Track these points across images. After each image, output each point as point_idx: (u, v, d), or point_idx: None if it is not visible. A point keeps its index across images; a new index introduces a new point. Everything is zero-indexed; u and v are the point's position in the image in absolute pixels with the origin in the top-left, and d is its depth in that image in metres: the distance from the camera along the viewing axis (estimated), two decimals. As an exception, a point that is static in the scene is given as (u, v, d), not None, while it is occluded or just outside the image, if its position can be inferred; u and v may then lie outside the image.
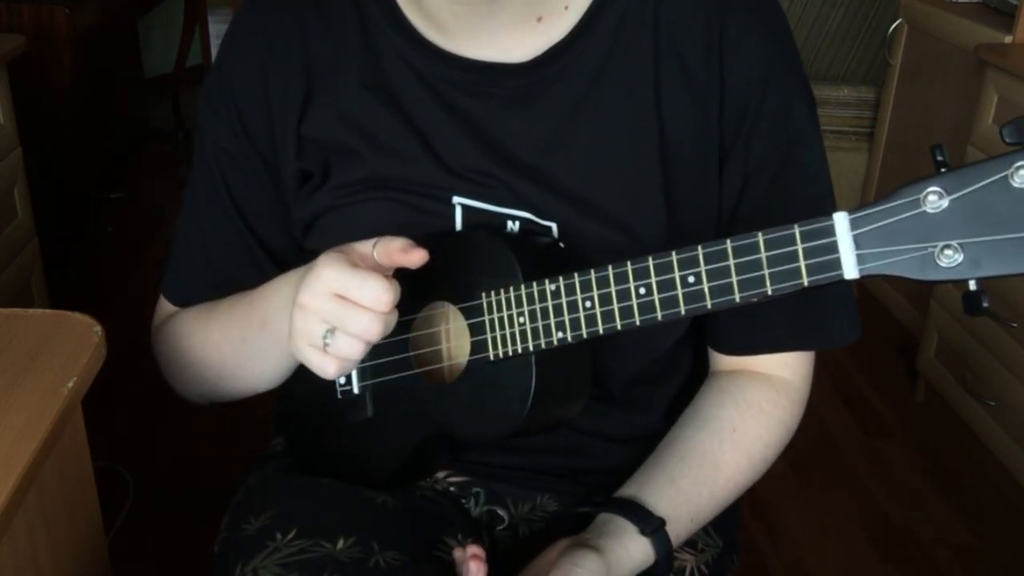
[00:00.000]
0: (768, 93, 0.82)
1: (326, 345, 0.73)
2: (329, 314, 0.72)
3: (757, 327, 0.87)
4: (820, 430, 2.25)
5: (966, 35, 2.18)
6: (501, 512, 0.92)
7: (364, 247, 0.77)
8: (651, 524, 0.80)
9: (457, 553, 0.79)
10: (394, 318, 0.74)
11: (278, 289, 0.85)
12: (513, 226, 0.82)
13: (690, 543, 0.92)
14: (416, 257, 0.75)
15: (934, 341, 2.22)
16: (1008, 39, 2.06)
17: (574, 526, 0.85)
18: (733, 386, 0.89)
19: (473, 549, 0.76)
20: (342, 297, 0.72)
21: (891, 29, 2.57)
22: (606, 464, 0.91)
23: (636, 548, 0.80)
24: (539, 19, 0.81)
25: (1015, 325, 1.92)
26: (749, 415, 0.87)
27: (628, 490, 0.84)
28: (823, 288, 0.86)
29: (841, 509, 2.03)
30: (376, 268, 0.75)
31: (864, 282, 2.69)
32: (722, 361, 0.91)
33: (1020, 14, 2.05)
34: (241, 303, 0.89)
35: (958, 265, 0.59)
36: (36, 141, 2.33)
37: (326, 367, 0.74)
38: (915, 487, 2.10)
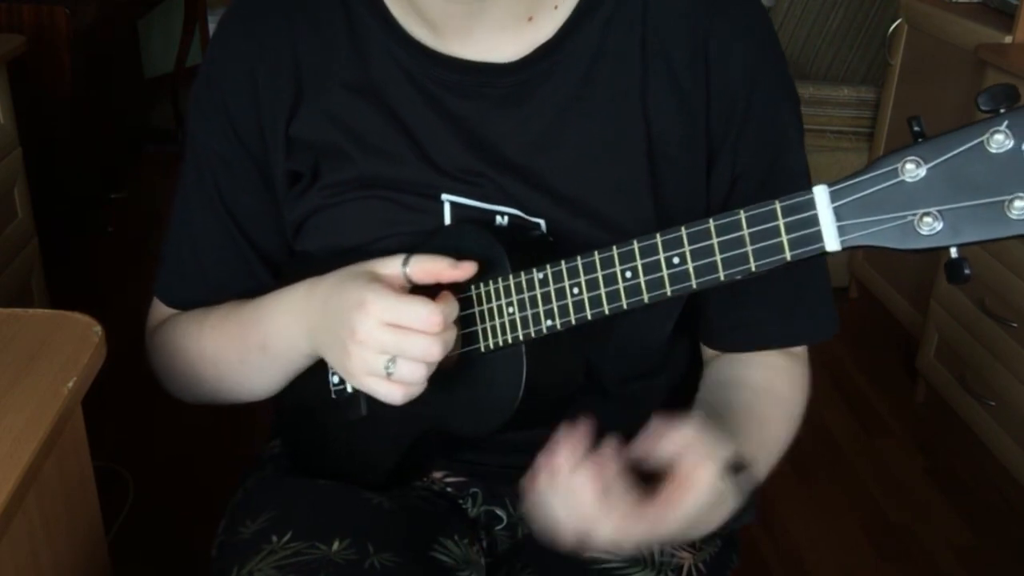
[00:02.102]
0: (754, 98, 0.82)
1: (389, 374, 0.73)
2: (387, 344, 0.73)
3: (746, 326, 0.88)
4: (820, 430, 2.25)
5: (966, 35, 2.18)
6: (499, 512, 0.92)
7: (390, 267, 0.76)
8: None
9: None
10: (452, 335, 0.74)
11: (274, 311, 0.84)
12: (502, 221, 0.83)
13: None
14: (465, 271, 0.75)
15: (934, 341, 2.22)
16: (1008, 39, 2.06)
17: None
18: (746, 355, 0.89)
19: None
20: (395, 325, 0.72)
21: (891, 29, 2.57)
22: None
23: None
24: (530, 19, 0.81)
25: (1015, 325, 1.92)
26: (773, 374, 0.88)
27: None
28: (809, 284, 0.86)
29: (841, 509, 2.03)
30: (408, 286, 0.75)
31: (864, 282, 2.67)
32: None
33: (1020, 14, 2.05)
34: (232, 320, 0.88)
35: (938, 232, 0.59)
36: (36, 141, 2.33)
37: (393, 394, 0.74)
38: (915, 487, 2.10)
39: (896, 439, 2.26)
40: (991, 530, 1.97)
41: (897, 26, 2.53)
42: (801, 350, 0.91)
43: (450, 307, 0.74)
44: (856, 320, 2.63)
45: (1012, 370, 1.93)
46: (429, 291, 0.75)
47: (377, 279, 0.75)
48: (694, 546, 0.93)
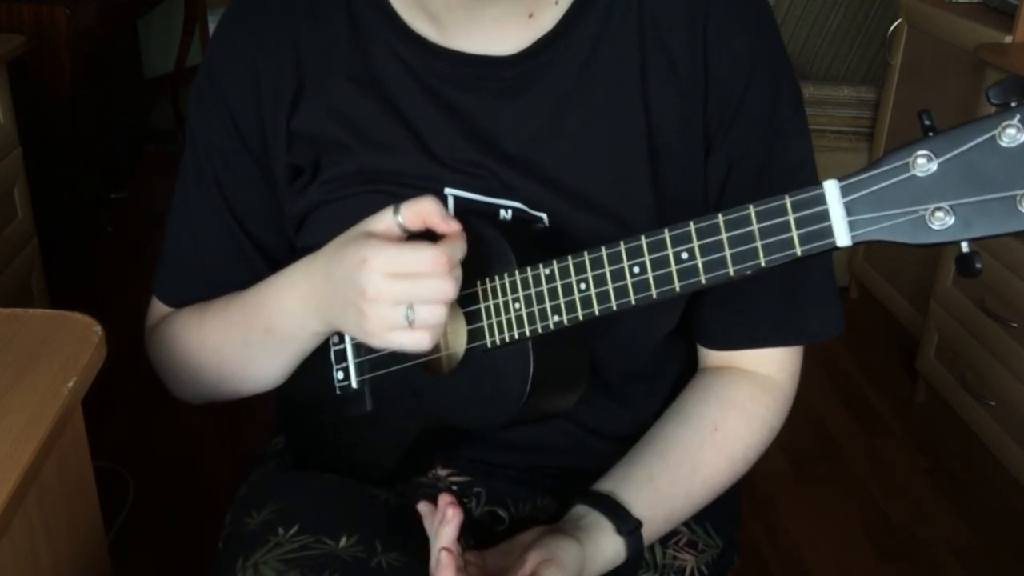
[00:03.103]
0: (752, 85, 0.82)
1: (410, 322, 0.73)
2: (400, 294, 0.72)
3: (740, 322, 0.88)
4: (820, 430, 2.25)
5: (966, 35, 2.18)
6: (501, 513, 0.92)
7: (383, 221, 0.75)
8: (628, 524, 0.81)
9: (422, 507, 0.79)
10: (460, 272, 0.74)
11: (276, 292, 0.84)
12: (505, 215, 0.83)
13: (691, 543, 0.93)
14: (452, 227, 0.74)
15: (934, 341, 2.22)
16: (1008, 39, 2.06)
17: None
18: (718, 383, 0.89)
19: (447, 498, 0.75)
20: (403, 274, 0.72)
21: (891, 29, 2.57)
22: (606, 463, 0.91)
23: (609, 546, 0.81)
24: (530, 15, 0.81)
25: (1015, 325, 1.92)
26: (732, 414, 0.87)
27: (606, 485, 0.84)
28: (807, 283, 0.86)
29: (841, 509, 2.03)
30: (404, 236, 0.75)
31: (864, 282, 2.67)
32: (710, 357, 0.92)
33: (1020, 14, 2.05)
34: (233, 307, 0.88)
35: (950, 227, 0.59)
36: (36, 141, 2.33)
37: (421, 341, 0.74)
38: (915, 487, 2.10)
39: (896, 439, 2.25)
40: (991, 530, 1.97)
41: (897, 26, 2.53)
42: (790, 371, 0.91)
43: (454, 246, 0.73)
44: (856, 320, 2.63)
45: (1012, 370, 1.93)
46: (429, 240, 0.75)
47: (373, 235, 0.74)
48: (696, 548, 0.93)
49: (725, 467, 0.87)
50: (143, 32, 3.83)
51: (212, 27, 4.04)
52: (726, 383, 0.89)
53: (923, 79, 2.44)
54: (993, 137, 0.58)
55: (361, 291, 0.73)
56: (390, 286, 0.72)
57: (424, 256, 0.71)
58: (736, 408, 0.88)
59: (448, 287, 0.72)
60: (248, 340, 0.87)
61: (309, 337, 0.84)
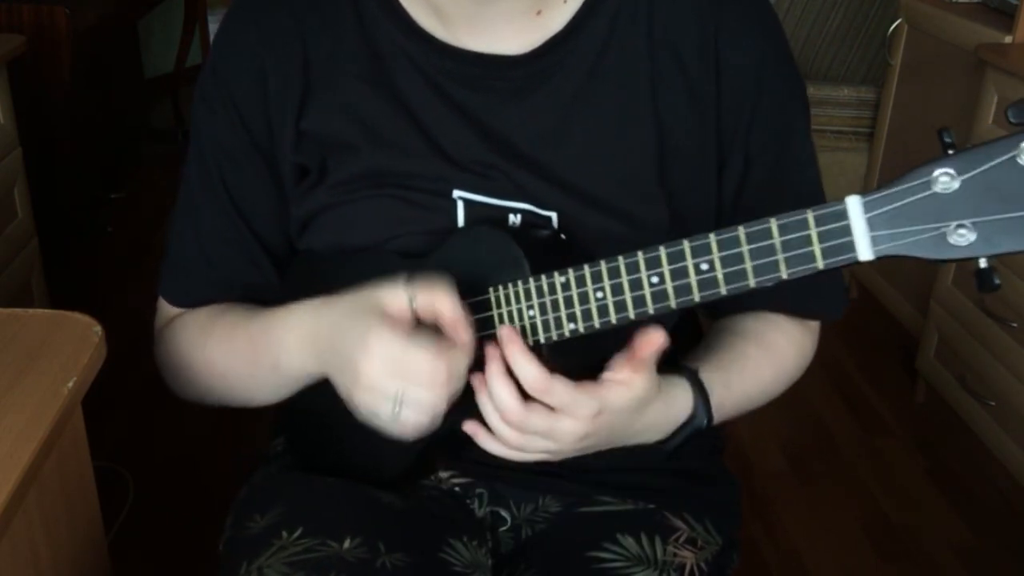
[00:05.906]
0: (763, 88, 0.83)
1: (395, 416, 0.73)
2: (392, 392, 0.72)
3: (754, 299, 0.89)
4: (820, 429, 2.25)
5: (966, 35, 2.18)
6: (504, 513, 0.92)
7: (395, 301, 0.74)
8: (692, 375, 0.82)
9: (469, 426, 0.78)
10: (462, 385, 0.73)
11: (283, 330, 0.83)
12: (515, 219, 0.83)
13: (690, 540, 0.92)
14: (463, 335, 0.73)
15: (934, 341, 2.22)
16: (1008, 39, 2.06)
17: (576, 526, 0.85)
18: (754, 312, 0.91)
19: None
20: (399, 374, 0.72)
21: (891, 29, 2.57)
22: (607, 462, 0.91)
23: (681, 394, 0.81)
24: (538, 12, 0.81)
25: (1015, 325, 1.92)
26: (774, 329, 0.90)
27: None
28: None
29: (841, 509, 2.03)
30: (413, 319, 0.74)
31: (864, 282, 2.66)
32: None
33: (1020, 14, 2.05)
34: (239, 336, 0.87)
35: (971, 244, 0.61)
36: (36, 141, 2.33)
37: (401, 433, 0.75)
38: (915, 487, 2.10)
39: (896, 439, 2.26)
40: (991, 530, 1.97)
41: (897, 26, 2.53)
42: (813, 325, 0.93)
43: (458, 358, 0.72)
44: (856, 320, 2.63)
45: (1012, 370, 1.93)
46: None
47: (384, 318, 0.73)
48: (695, 545, 0.93)
49: (770, 374, 0.90)
50: (143, 32, 3.83)
51: (212, 27, 4.04)
52: (754, 315, 0.91)
53: (923, 79, 2.44)
54: (1014, 157, 0.59)
55: (355, 375, 0.73)
56: (384, 382, 0.72)
57: (425, 366, 0.71)
58: (776, 325, 0.90)
59: (438, 402, 0.72)
60: (254, 372, 0.87)
61: (308, 378, 0.84)
